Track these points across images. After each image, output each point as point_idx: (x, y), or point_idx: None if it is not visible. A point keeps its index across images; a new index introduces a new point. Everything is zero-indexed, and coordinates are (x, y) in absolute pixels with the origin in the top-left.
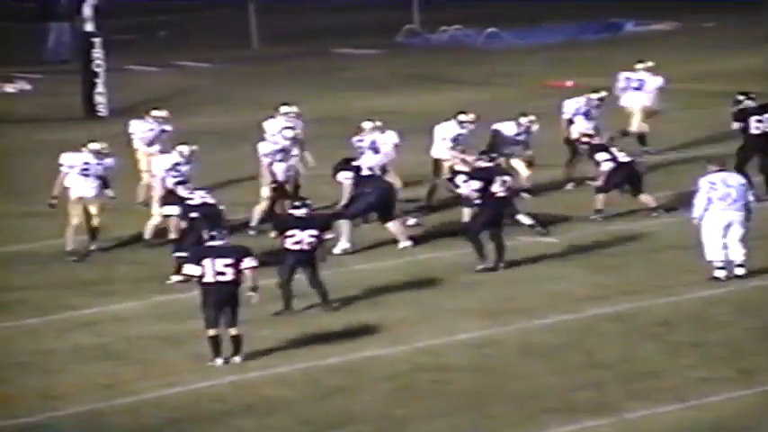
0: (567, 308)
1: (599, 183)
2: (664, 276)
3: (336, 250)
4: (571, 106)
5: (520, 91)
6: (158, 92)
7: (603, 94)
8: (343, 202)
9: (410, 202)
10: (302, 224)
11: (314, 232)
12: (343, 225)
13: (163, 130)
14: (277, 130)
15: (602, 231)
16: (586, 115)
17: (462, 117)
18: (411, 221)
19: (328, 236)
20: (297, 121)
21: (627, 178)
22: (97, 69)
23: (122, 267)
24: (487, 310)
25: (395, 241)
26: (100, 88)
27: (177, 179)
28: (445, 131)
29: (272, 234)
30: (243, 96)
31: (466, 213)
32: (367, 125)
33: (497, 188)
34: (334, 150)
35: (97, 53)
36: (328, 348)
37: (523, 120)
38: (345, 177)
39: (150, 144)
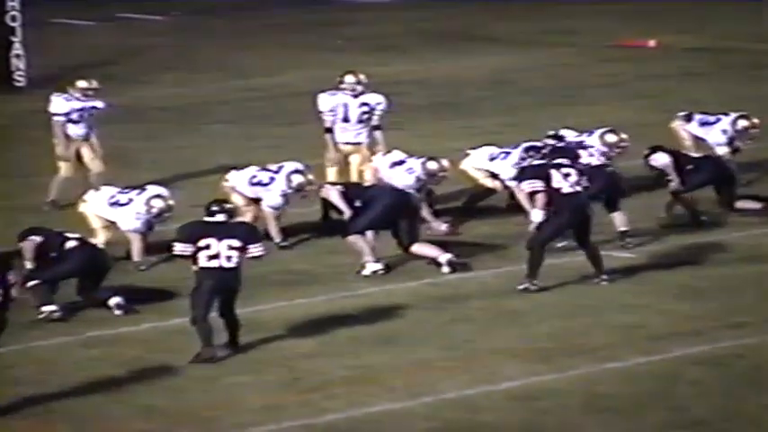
0: (646, 347)
1: (674, 184)
2: None
3: (366, 272)
4: None
5: (583, 53)
6: (96, 54)
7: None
8: (346, 214)
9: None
10: (219, 232)
11: (235, 243)
12: (358, 242)
13: (93, 107)
14: (327, 104)
15: (693, 244)
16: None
17: (611, 138)
18: (442, 227)
19: (255, 252)
20: (367, 95)
21: (710, 179)
22: (13, 24)
23: None
24: (540, 350)
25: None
26: (17, 49)
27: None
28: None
29: (179, 248)
30: (209, 61)
31: (536, 215)
32: None
33: (560, 183)
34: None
35: (13, 1)
36: (326, 401)
37: (612, 138)
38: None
39: (75, 123)
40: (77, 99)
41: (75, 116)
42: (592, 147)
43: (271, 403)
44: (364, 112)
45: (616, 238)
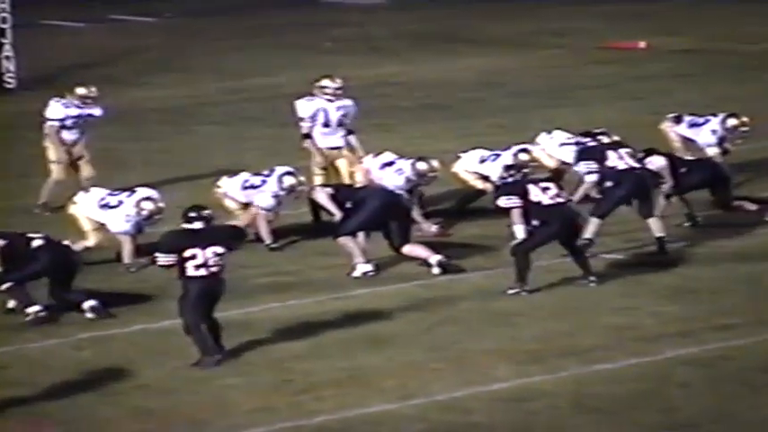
0: (636, 348)
1: (666, 187)
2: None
3: (356, 274)
4: None
5: (573, 55)
6: (88, 56)
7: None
8: (336, 216)
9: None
10: (202, 240)
11: (219, 249)
12: (348, 244)
13: (90, 115)
14: (306, 110)
15: (683, 246)
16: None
17: (603, 140)
18: (432, 229)
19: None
20: (343, 99)
21: (705, 181)
22: (3, 26)
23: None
24: (530, 352)
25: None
26: (7, 51)
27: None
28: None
29: (162, 259)
30: (200, 62)
31: (518, 230)
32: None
33: (538, 197)
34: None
35: (3, 3)
36: (317, 403)
37: (604, 141)
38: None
39: (68, 129)
40: (76, 106)
41: (69, 122)
42: (624, 149)
43: (262, 405)
44: (343, 116)
45: (653, 244)
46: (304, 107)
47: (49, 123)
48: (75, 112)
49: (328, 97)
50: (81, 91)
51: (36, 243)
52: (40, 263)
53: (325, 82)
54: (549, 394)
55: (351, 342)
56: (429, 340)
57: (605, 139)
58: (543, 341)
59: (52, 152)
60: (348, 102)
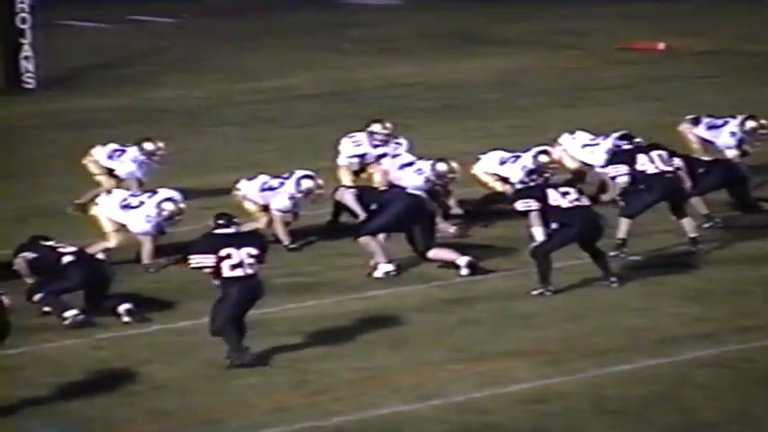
0: (655, 350)
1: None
2: None
3: (378, 274)
4: None
5: (592, 55)
6: (106, 56)
7: None
8: (360, 218)
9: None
10: (236, 242)
11: (253, 251)
12: (370, 244)
13: (148, 165)
14: (349, 151)
15: (703, 247)
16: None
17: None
18: (451, 230)
19: (265, 261)
20: (389, 145)
21: (723, 182)
22: (23, 26)
23: None
24: (549, 353)
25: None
26: (26, 51)
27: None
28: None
29: (197, 259)
30: (219, 63)
31: (536, 233)
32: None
33: (557, 201)
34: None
35: (22, 3)
36: (334, 403)
37: (639, 140)
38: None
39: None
40: (142, 162)
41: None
42: (656, 152)
43: (279, 405)
44: (380, 155)
45: (688, 244)
46: (347, 148)
47: (120, 174)
48: (133, 167)
49: (375, 143)
50: (149, 147)
51: (67, 258)
52: (71, 280)
53: (374, 127)
54: (567, 396)
55: (369, 342)
56: (448, 341)
57: (640, 142)
58: (562, 342)
59: (94, 167)
60: (398, 146)
